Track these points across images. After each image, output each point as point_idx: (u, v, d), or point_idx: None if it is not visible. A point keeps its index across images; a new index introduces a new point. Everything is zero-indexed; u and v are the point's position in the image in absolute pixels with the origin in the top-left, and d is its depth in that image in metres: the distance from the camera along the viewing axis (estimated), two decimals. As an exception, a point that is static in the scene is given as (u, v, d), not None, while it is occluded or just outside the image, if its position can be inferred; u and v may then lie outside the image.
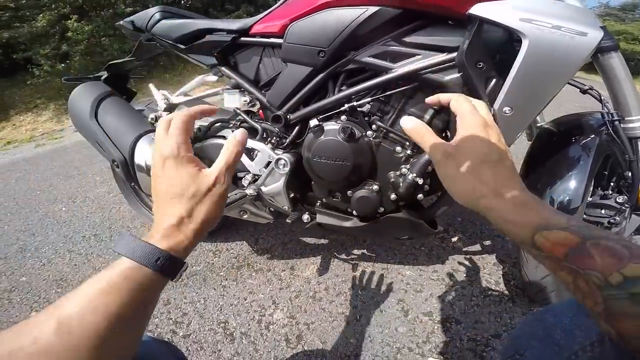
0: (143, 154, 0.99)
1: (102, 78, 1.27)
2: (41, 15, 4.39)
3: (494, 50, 0.74)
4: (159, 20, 1.06)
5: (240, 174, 0.97)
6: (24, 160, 3.04)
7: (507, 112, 0.71)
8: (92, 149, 1.11)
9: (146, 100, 1.39)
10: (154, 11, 1.08)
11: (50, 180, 2.40)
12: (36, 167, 2.75)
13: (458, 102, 0.42)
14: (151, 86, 1.15)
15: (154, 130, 1.02)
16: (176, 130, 0.38)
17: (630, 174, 0.86)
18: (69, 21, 4.38)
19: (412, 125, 0.43)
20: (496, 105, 0.72)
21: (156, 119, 1.09)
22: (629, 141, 0.84)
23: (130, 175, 1.02)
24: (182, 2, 5.34)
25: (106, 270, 0.32)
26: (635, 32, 10.67)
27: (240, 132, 0.40)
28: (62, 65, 4.53)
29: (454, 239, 1.38)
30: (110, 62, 1.29)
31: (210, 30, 0.99)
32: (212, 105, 0.45)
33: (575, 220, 0.31)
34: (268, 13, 0.95)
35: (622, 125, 0.83)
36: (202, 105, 0.43)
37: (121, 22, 1.18)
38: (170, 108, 1.09)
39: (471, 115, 0.40)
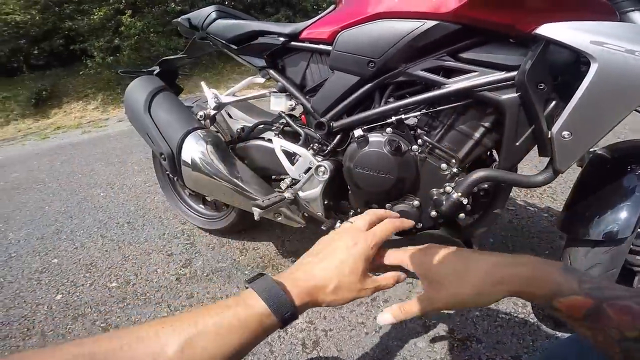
0: (189, 150, 1.03)
1: (155, 73, 1.32)
2: (98, 9, 4.69)
3: (557, 71, 0.72)
4: (214, 20, 1.09)
5: (279, 177, 0.99)
6: (70, 145, 3.25)
7: (565, 136, 0.69)
8: (132, 138, 1.18)
9: (192, 97, 1.45)
10: (210, 10, 1.11)
11: (92, 165, 2.54)
12: (81, 152, 2.93)
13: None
14: (203, 84, 1.19)
15: (201, 128, 1.06)
16: (383, 235, 0.44)
17: None
18: (124, 16, 4.64)
19: (389, 316, 0.43)
20: (554, 128, 0.69)
21: (205, 116, 1.13)
22: None
23: (175, 169, 1.06)
24: (226, 2, 5.53)
25: (241, 306, 0.34)
26: None
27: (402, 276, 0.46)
28: (111, 58, 4.81)
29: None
30: (164, 58, 1.34)
31: (263, 33, 1.01)
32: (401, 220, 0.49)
33: (591, 281, 0.32)
34: (318, 19, 0.96)
35: None
36: (399, 221, 0.48)
37: (178, 20, 1.22)
38: (219, 107, 1.13)
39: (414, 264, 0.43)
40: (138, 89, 1.14)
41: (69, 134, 3.91)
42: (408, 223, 0.49)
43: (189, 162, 1.03)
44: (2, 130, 4.48)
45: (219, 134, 1.17)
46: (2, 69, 5.32)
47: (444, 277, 0.39)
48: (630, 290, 0.32)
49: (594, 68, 0.64)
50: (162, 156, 1.06)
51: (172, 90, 1.26)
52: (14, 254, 1.54)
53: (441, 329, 1.04)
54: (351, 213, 1.01)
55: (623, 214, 0.82)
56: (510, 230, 1.46)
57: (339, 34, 0.87)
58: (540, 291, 0.34)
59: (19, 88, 5.04)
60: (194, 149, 1.01)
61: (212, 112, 1.12)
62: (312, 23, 0.96)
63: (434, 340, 1.00)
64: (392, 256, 0.45)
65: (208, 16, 1.10)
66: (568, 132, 0.68)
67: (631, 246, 0.90)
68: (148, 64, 4.82)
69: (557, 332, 1.01)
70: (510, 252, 1.37)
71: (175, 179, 1.40)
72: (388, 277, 0.44)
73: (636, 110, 0.86)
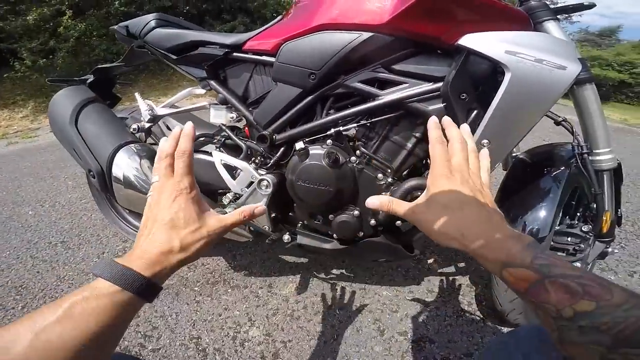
0: (121, 166, 0.96)
1: (88, 81, 1.23)
2: (35, 9, 4.28)
3: (478, 81, 0.76)
4: (153, 28, 1.05)
5: (220, 191, 0.96)
6: (-8, 158, 2.89)
7: (485, 144, 0.73)
8: (65, 151, 1.07)
9: (130, 108, 1.36)
10: (149, 18, 1.06)
11: (19, 180, 2.28)
12: (5, 165, 2.62)
13: (432, 148, 0.45)
14: (137, 95, 1.12)
15: (135, 142, 0.99)
16: (187, 168, 0.42)
17: (595, 205, 0.91)
18: (64, 17, 4.29)
19: (377, 202, 0.46)
20: (475, 137, 0.74)
21: (139, 129, 1.06)
22: (596, 174, 0.87)
23: (105, 186, 0.98)
24: (179, 8, 5.29)
25: (88, 290, 0.33)
26: (610, 58, 10.99)
27: (259, 209, 0.46)
28: (44, 60, 4.40)
29: (430, 261, 1.41)
30: (98, 66, 1.25)
31: (204, 43, 0.98)
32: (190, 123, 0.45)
33: (543, 257, 0.33)
34: (263, 30, 0.95)
35: (590, 157, 0.87)
36: (186, 136, 0.43)
37: (115, 27, 1.16)
38: (154, 119, 1.07)
39: (437, 164, 0.43)
40: (64, 100, 1.05)
41: (-8, 145, 3.47)
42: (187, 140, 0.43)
43: (121, 178, 0.96)
44: None
45: (154, 146, 1.11)
46: None
47: (446, 202, 0.40)
48: (581, 270, 0.32)
49: (507, 77, 0.69)
50: (91, 173, 0.98)
51: (105, 101, 1.17)
52: None
53: (395, 331, 1.08)
54: (299, 224, 1.00)
55: (542, 214, 0.90)
56: (452, 230, 1.56)
57: (283, 45, 0.86)
58: (494, 255, 0.35)
59: None
60: (126, 165, 0.95)
61: (147, 125, 1.06)
62: (257, 34, 0.95)
63: (389, 343, 1.03)
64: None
65: (147, 24, 1.06)
66: (487, 140, 0.73)
67: (552, 243, 0.99)
68: (86, 69, 4.47)
69: (502, 328, 1.08)
70: (451, 252, 1.46)
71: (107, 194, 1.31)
72: (235, 212, 0.44)
73: (547, 115, 0.96)
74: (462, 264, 1.39)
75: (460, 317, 1.13)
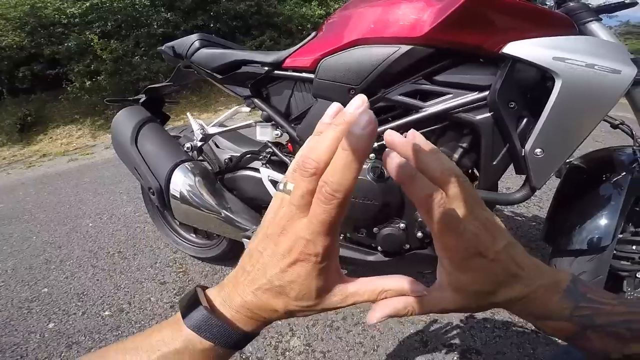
0: (178, 183, 1.02)
1: (141, 101, 1.31)
2: (76, 33, 4.66)
3: (526, 89, 0.74)
4: (198, 49, 1.09)
5: (265, 206, 0.99)
6: (57, 174, 3.20)
7: (538, 153, 0.71)
8: (120, 166, 1.17)
9: (179, 125, 1.45)
10: (194, 39, 1.11)
11: (80, 195, 2.50)
12: (67, 181, 2.89)
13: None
14: (189, 115, 1.20)
15: (189, 160, 1.06)
16: (331, 226, 0.24)
17: None
18: (94, 40, 4.60)
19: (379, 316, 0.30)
20: (527, 146, 0.71)
21: (192, 148, 1.13)
22: None
23: (164, 203, 1.05)
24: (211, 27, 5.59)
25: (179, 342, 0.28)
26: None
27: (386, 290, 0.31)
28: (89, 82, 4.76)
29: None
30: (149, 86, 1.34)
31: (246, 62, 1.01)
32: None
33: (584, 307, 0.29)
34: (301, 46, 0.97)
35: None
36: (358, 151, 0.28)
37: (162, 47, 1.22)
38: (206, 138, 1.13)
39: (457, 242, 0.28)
40: (124, 121, 1.14)
41: (55, 161, 3.85)
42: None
43: (178, 195, 1.03)
44: (-15, 160, 4.39)
45: (206, 163, 1.17)
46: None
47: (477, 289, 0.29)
48: (623, 313, 0.29)
49: (558, 84, 0.66)
50: (151, 190, 1.05)
51: (158, 120, 1.26)
52: (2, 283, 1.52)
53: (439, 342, 1.04)
54: (341, 237, 1.01)
55: (603, 222, 0.85)
56: (499, 240, 1.49)
57: (321, 62, 0.87)
58: (527, 312, 0.30)
59: (2, 113, 4.92)
60: (183, 182, 1.01)
61: (199, 144, 1.12)
62: (295, 51, 0.97)
63: (433, 355, 1.01)
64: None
65: (192, 45, 1.10)
66: (540, 149, 0.71)
67: (614, 252, 0.93)
68: (129, 87, 4.80)
69: (556, 339, 1.02)
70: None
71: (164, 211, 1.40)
72: (364, 289, 0.30)
73: (604, 120, 0.90)
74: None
75: (510, 328, 1.08)
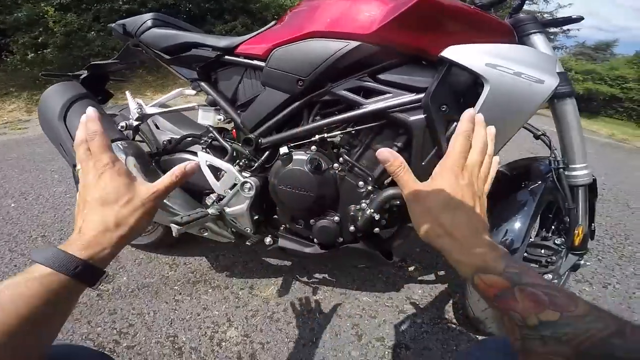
0: None
1: (82, 77, 1.23)
2: (31, 3, 4.27)
3: (459, 93, 0.78)
4: (149, 28, 1.05)
5: (204, 192, 0.97)
6: (-22, 149, 2.83)
7: None
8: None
9: (120, 105, 1.36)
10: (146, 18, 1.07)
11: (4, 172, 2.24)
12: (-10, 156, 2.57)
13: (455, 138, 0.43)
14: (127, 93, 1.13)
15: (122, 139, 1.00)
16: (102, 147, 0.40)
17: (568, 219, 0.93)
18: (49, 11, 4.26)
19: (387, 157, 0.41)
20: None
21: (127, 126, 1.07)
22: (570, 189, 0.90)
23: None
24: (181, 6, 5.31)
25: (21, 275, 0.32)
26: (603, 72, 10.96)
27: (190, 165, 0.43)
28: (32, 55, 4.38)
29: (411, 269, 1.43)
30: (93, 62, 1.25)
31: (197, 45, 0.99)
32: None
33: (515, 266, 0.34)
34: (256, 34, 0.97)
35: (566, 172, 0.89)
36: (90, 119, 0.42)
37: (112, 25, 1.16)
38: (143, 118, 1.07)
39: (453, 157, 0.42)
40: (55, 95, 1.04)
41: (-21, 135, 3.41)
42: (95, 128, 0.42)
43: (107, 174, 0.95)
44: None
45: (143, 142, 1.11)
46: None
47: (447, 200, 0.39)
48: (549, 282, 0.32)
49: (486, 89, 0.70)
50: (76, 168, 0.97)
51: (97, 97, 1.17)
52: None
53: (373, 337, 1.09)
54: (281, 228, 1.02)
55: (516, 225, 0.93)
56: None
57: (273, 51, 0.88)
58: (468, 260, 0.36)
59: None
60: None
61: (135, 123, 1.07)
62: (250, 38, 0.96)
63: (366, 349, 1.04)
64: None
65: (143, 24, 1.06)
66: None
67: (525, 254, 1.02)
68: (78, 63, 4.43)
69: (477, 337, 1.10)
70: (432, 260, 1.49)
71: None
72: (166, 175, 0.42)
73: (526, 129, 0.97)
74: (442, 272, 1.41)
75: (437, 325, 1.15)
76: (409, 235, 0.93)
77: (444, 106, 0.75)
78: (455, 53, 0.72)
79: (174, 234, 0.79)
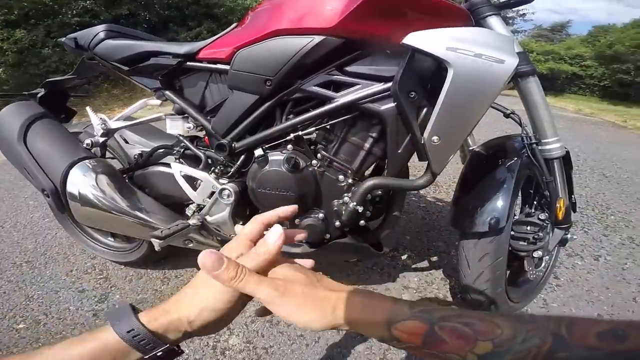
0: (76, 183, 0.92)
1: (39, 95, 1.18)
2: None
3: (426, 79, 0.78)
4: (102, 40, 1.02)
5: (184, 203, 0.94)
6: (-56, 182, 2.70)
7: (435, 141, 0.75)
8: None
9: (85, 122, 1.31)
10: (98, 30, 1.03)
11: (-25, 203, 2.15)
12: (-42, 189, 2.46)
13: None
14: (88, 109, 1.08)
15: (90, 157, 0.96)
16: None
17: (548, 192, 0.95)
18: None
19: (206, 264, 0.33)
20: (426, 134, 0.75)
21: (92, 144, 1.03)
22: (546, 162, 0.91)
23: (62, 205, 0.94)
24: (139, 16, 5.14)
25: (92, 341, 0.31)
26: (562, 52, 11.68)
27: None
28: None
29: (404, 257, 1.44)
30: (48, 80, 1.21)
31: (156, 53, 0.97)
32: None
33: (417, 304, 0.32)
34: (216, 39, 0.95)
35: (539, 147, 0.91)
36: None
37: (63, 39, 1.12)
38: (108, 133, 1.04)
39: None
40: (10, 117, 1.00)
41: (-56, 168, 3.25)
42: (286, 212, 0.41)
43: (77, 196, 0.92)
44: None
45: (115, 160, 1.08)
46: None
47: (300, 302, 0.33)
48: (455, 310, 0.31)
49: (450, 73, 0.70)
50: (45, 192, 0.93)
51: (59, 116, 1.13)
52: None
53: None
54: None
55: (499, 204, 0.93)
56: (423, 226, 1.59)
57: (236, 53, 0.86)
58: (376, 317, 0.32)
59: None
60: (82, 182, 0.91)
61: (101, 139, 1.03)
62: (211, 42, 0.94)
63: (370, 342, 1.04)
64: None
65: (95, 36, 1.02)
66: (437, 137, 0.75)
67: (512, 232, 1.02)
68: (36, 81, 4.24)
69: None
70: (424, 247, 1.50)
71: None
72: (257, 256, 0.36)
73: (496, 109, 0.98)
74: (435, 258, 1.42)
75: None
76: (396, 224, 0.93)
77: (412, 92, 0.75)
78: (416, 39, 0.71)
79: (156, 249, 0.77)
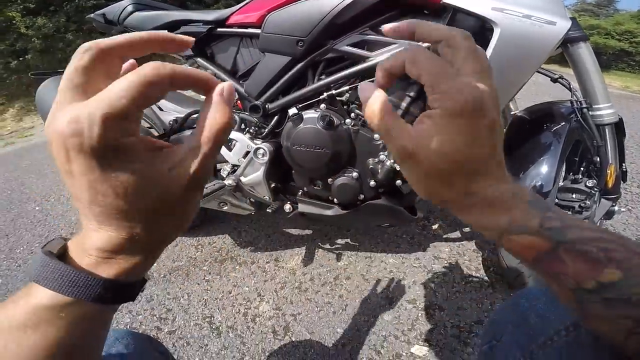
0: None
1: None
2: None
3: None
4: (131, 13, 1.04)
5: (218, 165, 0.96)
6: (-7, 160, 2.91)
7: None
8: None
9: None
10: (126, 3, 1.06)
11: (22, 179, 2.30)
12: (6, 166, 2.64)
13: (452, 47, 0.26)
14: None
15: None
16: (130, 93, 0.20)
17: (598, 158, 0.91)
18: (16, 19, 4.20)
19: (367, 96, 0.28)
20: None
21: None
22: (597, 128, 0.88)
23: None
24: None
25: (24, 299, 0.22)
26: (609, 27, 10.99)
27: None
28: (15, 62, 4.35)
29: (435, 227, 1.42)
30: None
31: (185, 22, 0.98)
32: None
33: (553, 218, 0.26)
34: (246, 4, 0.95)
35: (590, 112, 0.87)
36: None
37: (92, 15, 1.15)
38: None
39: (460, 88, 0.24)
40: (50, 91, 1.05)
41: (-10, 147, 3.49)
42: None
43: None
44: None
45: (152, 129, 1.11)
46: None
47: (442, 162, 0.26)
48: (599, 230, 0.26)
49: (497, 33, 0.68)
50: None
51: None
52: None
53: (404, 299, 1.08)
54: (299, 192, 1.01)
55: (544, 169, 0.90)
56: (455, 195, 1.55)
57: (267, 16, 0.87)
58: (492, 223, 0.27)
59: None
60: None
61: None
62: (240, 8, 0.95)
63: (399, 312, 1.04)
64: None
65: (124, 10, 1.05)
66: None
67: (556, 200, 0.98)
68: (64, 65, 4.40)
69: (511, 293, 1.07)
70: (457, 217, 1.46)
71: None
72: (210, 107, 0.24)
73: (542, 73, 0.93)
74: (467, 229, 1.39)
75: (469, 283, 1.13)
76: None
77: None
78: None
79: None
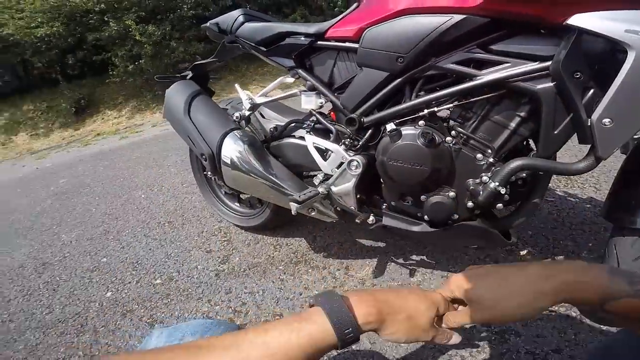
0: (228, 150, 1.08)
1: (188, 77, 1.38)
2: (113, 20, 4.83)
3: (593, 60, 0.71)
4: (242, 23, 1.13)
5: (312, 173, 1.02)
6: (111, 151, 3.48)
7: (606, 123, 0.67)
8: (167, 142, 1.26)
9: (224, 99, 1.51)
10: (237, 14, 1.15)
11: (132, 169, 2.70)
12: (120, 156, 3.13)
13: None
14: (237, 86, 1.25)
15: (238, 128, 1.12)
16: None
17: None
18: (132, 25, 4.74)
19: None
20: (594, 116, 0.68)
21: (240, 117, 1.18)
22: None
23: (215, 169, 1.12)
24: (241, 6, 5.64)
25: (297, 322, 0.36)
26: None
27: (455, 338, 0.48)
28: (131, 66, 5.00)
29: (523, 252, 1.30)
30: (196, 63, 1.41)
31: (289, 34, 1.04)
32: None
33: (636, 282, 0.31)
34: (342, 18, 0.98)
35: None
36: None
37: (207, 24, 1.26)
38: (254, 107, 1.18)
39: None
40: (177, 94, 1.21)
41: (108, 140, 4.18)
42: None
43: (228, 161, 1.08)
44: (48, 139, 4.88)
45: (253, 134, 1.22)
46: (44, 81, 5.67)
47: (481, 298, 0.41)
48: None
49: (631, 56, 0.63)
50: (203, 157, 1.12)
51: (207, 94, 1.32)
52: (67, 254, 1.68)
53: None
54: (384, 206, 1.02)
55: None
56: (549, 222, 1.41)
57: (365, 32, 0.88)
58: (588, 295, 0.33)
59: (59, 98, 5.41)
60: (233, 149, 1.07)
61: (247, 113, 1.17)
62: (336, 22, 0.98)
63: (470, 333, 0.99)
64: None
65: (236, 20, 1.14)
66: (609, 119, 0.67)
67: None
68: (169, 70, 4.94)
69: (601, 326, 0.96)
70: (549, 244, 1.33)
71: (212, 178, 1.48)
72: (448, 331, 0.48)
73: None
74: (560, 257, 1.25)
75: (553, 312, 1.03)
76: (532, 214, 0.85)
77: (578, 73, 0.69)
78: (586, 21, 0.65)
79: (292, 212, 0.86)
